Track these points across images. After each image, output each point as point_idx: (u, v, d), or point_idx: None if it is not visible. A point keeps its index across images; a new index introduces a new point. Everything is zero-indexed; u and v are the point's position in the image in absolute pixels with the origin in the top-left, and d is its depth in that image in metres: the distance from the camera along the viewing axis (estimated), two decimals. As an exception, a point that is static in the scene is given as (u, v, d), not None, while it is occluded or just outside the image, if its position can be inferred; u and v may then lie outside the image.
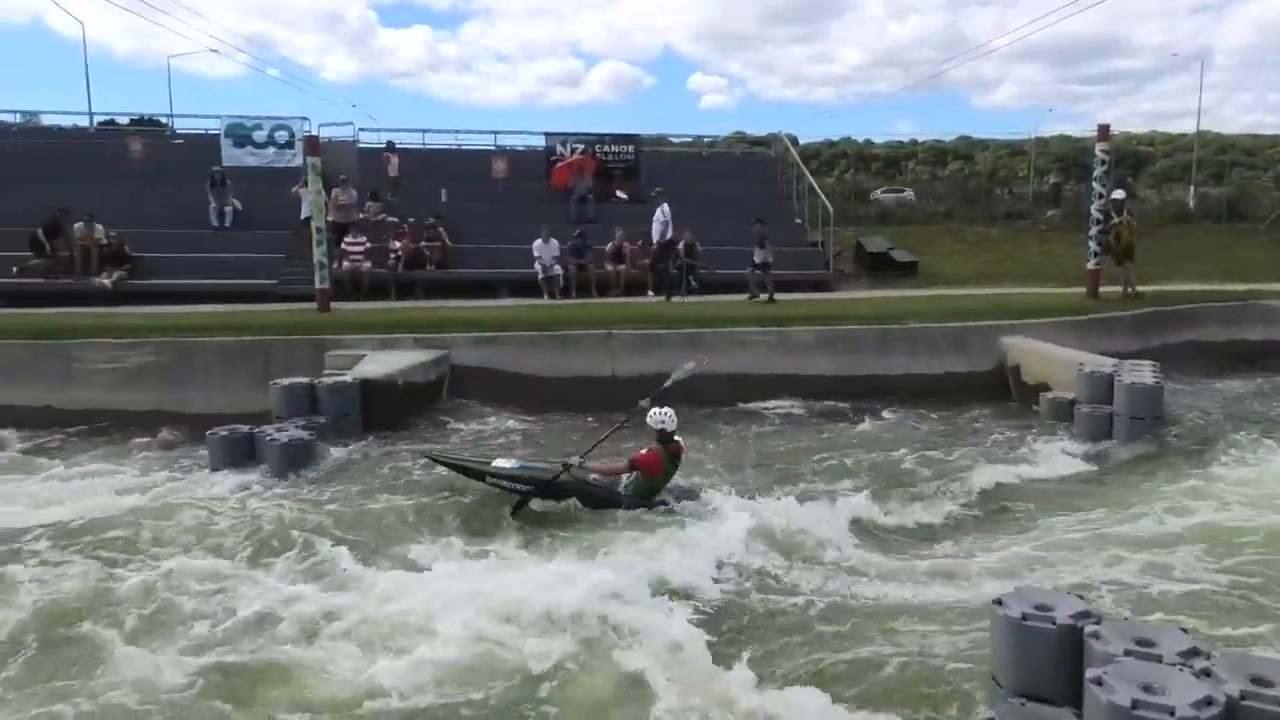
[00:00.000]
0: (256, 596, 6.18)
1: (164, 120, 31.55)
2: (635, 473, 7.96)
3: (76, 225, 17.55)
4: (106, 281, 17.14)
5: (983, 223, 26.01)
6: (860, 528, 7.66)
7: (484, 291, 17.60)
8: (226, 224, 19.58)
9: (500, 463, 8.17)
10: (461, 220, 19.82)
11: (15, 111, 26.11)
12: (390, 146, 23.17)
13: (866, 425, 11.58)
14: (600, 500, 7.91)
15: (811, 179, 22.14)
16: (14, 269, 17.13)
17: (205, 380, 11.84)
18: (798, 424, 11.83)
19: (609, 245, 18.12)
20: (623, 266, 17.95)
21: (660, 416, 8.04)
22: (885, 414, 12.14)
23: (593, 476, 8.05)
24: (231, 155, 21.13)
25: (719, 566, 6.68)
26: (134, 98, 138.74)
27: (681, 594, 6.23)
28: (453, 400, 12.10)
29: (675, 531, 7.26)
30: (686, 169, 26.02)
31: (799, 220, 21.87)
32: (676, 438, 8.14)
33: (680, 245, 17.52)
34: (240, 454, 9.04)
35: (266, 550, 6.93)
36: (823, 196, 20.75)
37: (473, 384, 12.37)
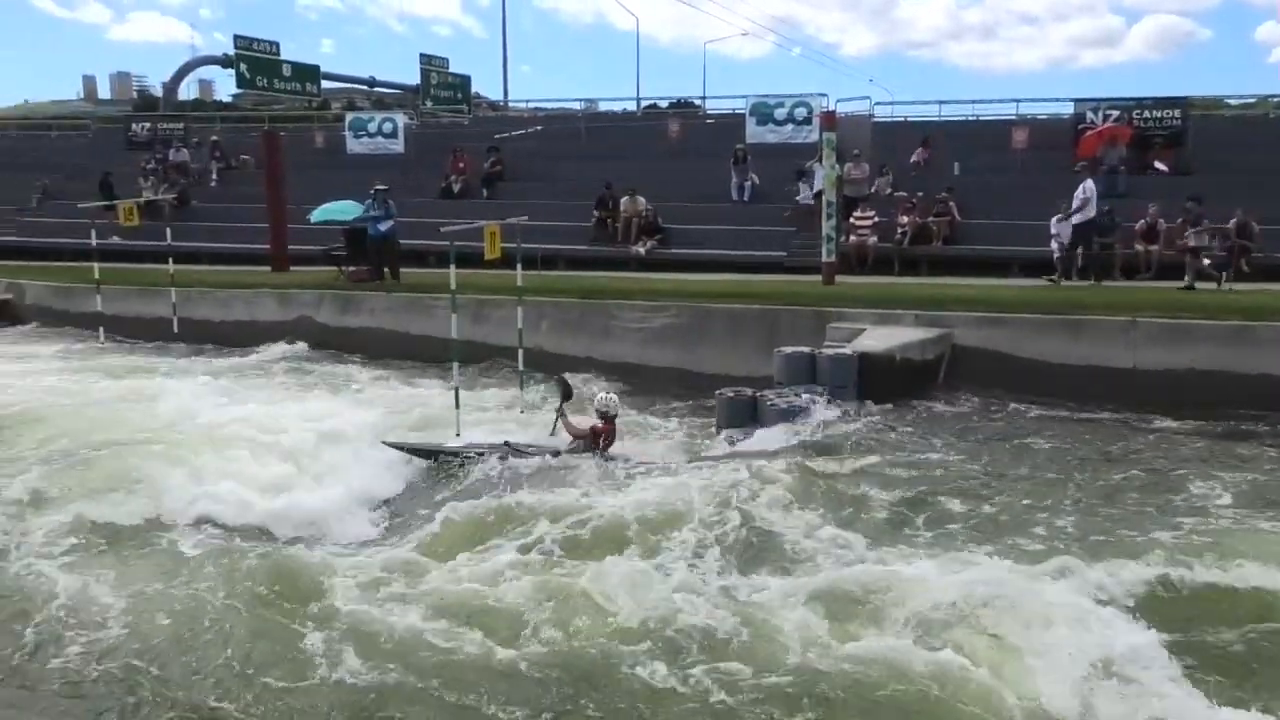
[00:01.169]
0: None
1: (697, 102, 34.41)
2: (584, 440, 8.98)
3: (623, 199, 19.91)
4: (641, 250, 19.23)
5: None
6: None
7: (993, 269, 16.81)
8: (745, 198, 20.88)
9: (451, 444, 9.34)
10: (974, 194, 19.09)
11: (579, 99, 30.37)
12: (925, 142, 21.87)
13: None
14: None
15: None
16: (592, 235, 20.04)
17: (717, 344, 12.81)
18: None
19: (1139, 223, 16.28)
20: (1155, 247, 16.04)
21: (608, 401, 9.21)
22: None
23: (563, 436, 9.11)
24: (754, 133, 22.40)
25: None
26: (673, 82, 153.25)
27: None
28: (950, 380, 11.78)
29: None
30: (1248, 135, 22.44)
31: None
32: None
33: (1230, 224, 15.22)
34: (744, 415, 9.66)
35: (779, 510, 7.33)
36: None
37: (973, 365, 11.93)
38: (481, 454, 8.94)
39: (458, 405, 10.06)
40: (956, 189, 18.80)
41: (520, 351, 11.33)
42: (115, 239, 19.34)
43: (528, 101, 47.60)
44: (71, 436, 9.66)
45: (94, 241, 16.44)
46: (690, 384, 12.31)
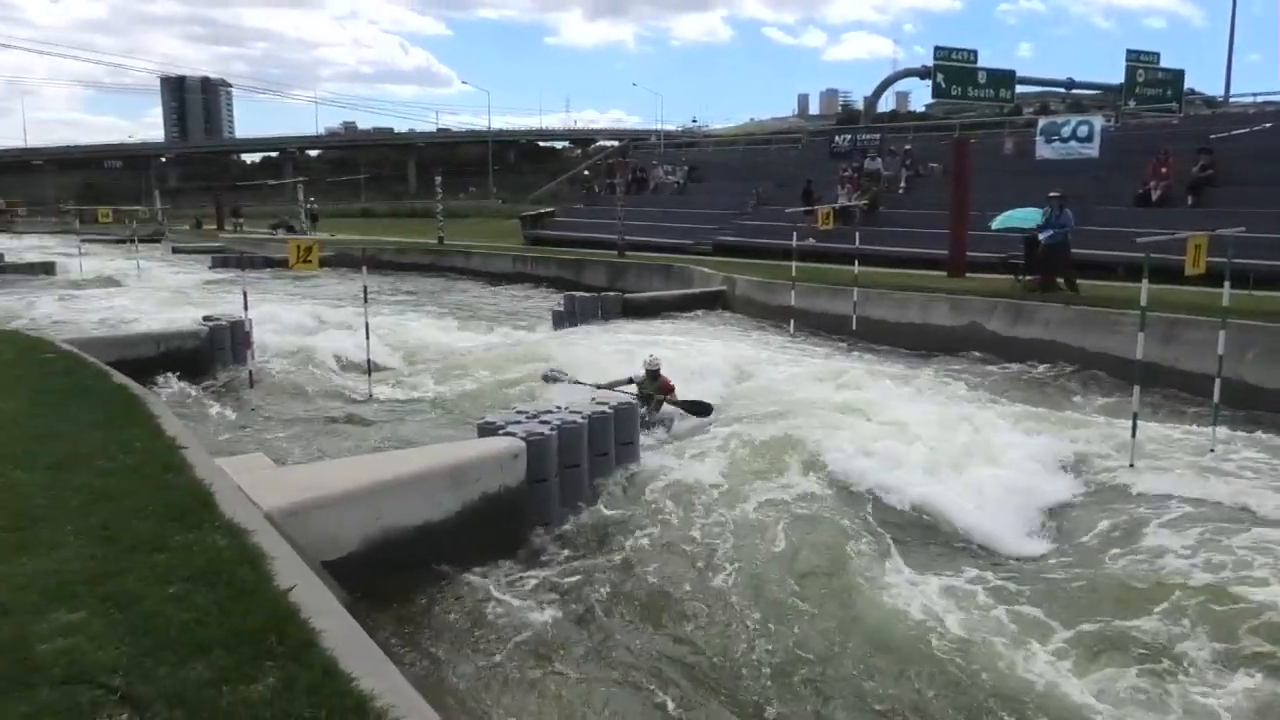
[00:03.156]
0: None
1: None
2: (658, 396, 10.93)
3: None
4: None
5: None
6: None
7: None
8: None
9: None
10: None
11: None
12: None
13: None
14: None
15: None
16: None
17: None
18: None
19: None
20: None
21: (654, 358, 11.22)
22: None
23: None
24: None
25: None
26: None
27: None
28: None
29: None
30: None
31: None
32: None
33: None
34: None
35: None
36: None
37: None
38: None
39: (1134, 434, 9.20)
40: None
41: (1217, 381, 9.93)
42: (811, 240, 21.35)
43: (1255, 95, 41.33)
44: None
45: (794, 243, 18.32)
46: None
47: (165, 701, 3.14)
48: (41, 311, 21.22)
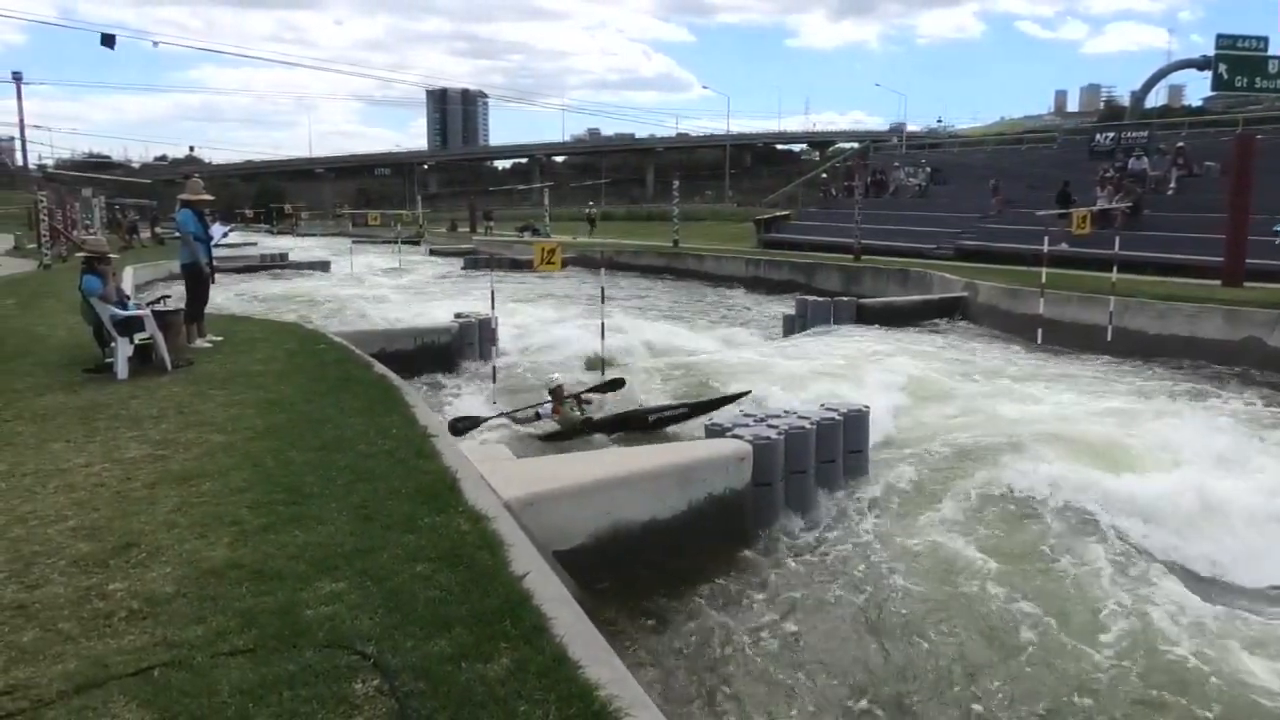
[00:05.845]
0: None
1: None
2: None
3: None
4: None
5: None
6: None
7: None
8: None
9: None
10: None
11: None
12: None
13: None
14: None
15: None
16: None
17: None
18: None
19: None
20: None
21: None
22: None
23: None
24: None
25: None
26: None
27: None
28: None
29: None
30: None
31: None
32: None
33: None
34: None
35: None
36: None
37: None
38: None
39: None
40: None
41: None
42: (1064, 245, 20.02)
43: None
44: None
45: (1044, 248, 17.25)
46: None
47: (411, 672, 3.37)
48: (322, 295, 26.83)
